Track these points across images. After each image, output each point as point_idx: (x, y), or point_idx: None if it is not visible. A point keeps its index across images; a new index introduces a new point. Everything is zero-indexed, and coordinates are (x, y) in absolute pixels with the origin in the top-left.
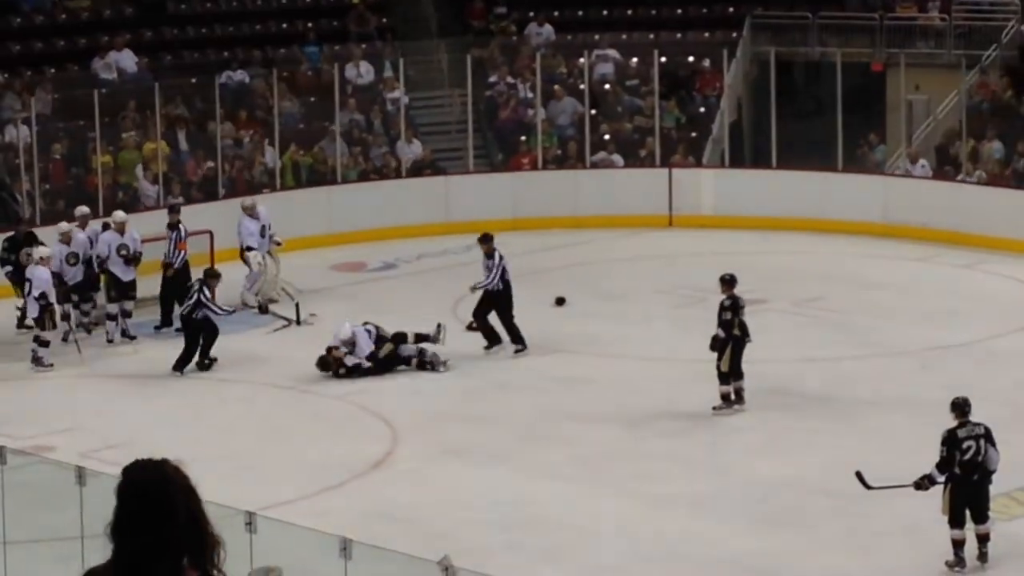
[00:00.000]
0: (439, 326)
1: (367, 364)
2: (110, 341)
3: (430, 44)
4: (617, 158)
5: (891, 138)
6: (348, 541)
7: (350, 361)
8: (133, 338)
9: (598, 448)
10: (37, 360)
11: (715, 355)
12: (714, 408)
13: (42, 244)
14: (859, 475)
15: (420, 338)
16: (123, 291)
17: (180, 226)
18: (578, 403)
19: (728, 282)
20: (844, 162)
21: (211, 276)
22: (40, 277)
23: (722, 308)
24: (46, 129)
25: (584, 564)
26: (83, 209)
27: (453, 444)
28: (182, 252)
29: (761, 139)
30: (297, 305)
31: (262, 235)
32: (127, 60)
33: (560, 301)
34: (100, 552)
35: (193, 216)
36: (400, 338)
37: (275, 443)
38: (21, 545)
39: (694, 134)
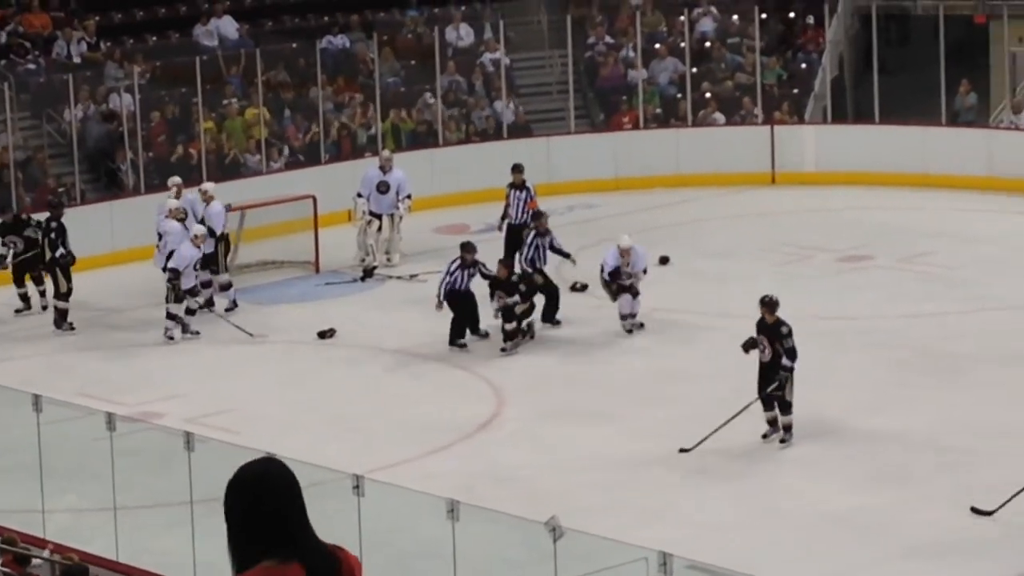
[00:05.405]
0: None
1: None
2: (228, 309)
3: (529, 5)
4: (719, 116)
5: (995, 91)
6: (455, 503)
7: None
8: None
9: (703, 408)
10: (184, 328)
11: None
12: (765, 436)
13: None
14: (975, 510)
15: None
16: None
17: (527, 185)
18: (682, 362)
19: (774, 304)
20: (947, 116)
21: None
22: (182, 255)
23: (788, 334)
24: (148, 98)
25: (689, 523)
26: (175, 179)
27: (558, 405)
28: (528, 210)
29: (863, 94)
30: (364, 271)
31: (382, 192)
32: (228, 27)
33: (664, 260)
34: (208, 517)
35: (296, 181)
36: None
37: (381, 406)
38: (130, 511)
39: (796, 90)
